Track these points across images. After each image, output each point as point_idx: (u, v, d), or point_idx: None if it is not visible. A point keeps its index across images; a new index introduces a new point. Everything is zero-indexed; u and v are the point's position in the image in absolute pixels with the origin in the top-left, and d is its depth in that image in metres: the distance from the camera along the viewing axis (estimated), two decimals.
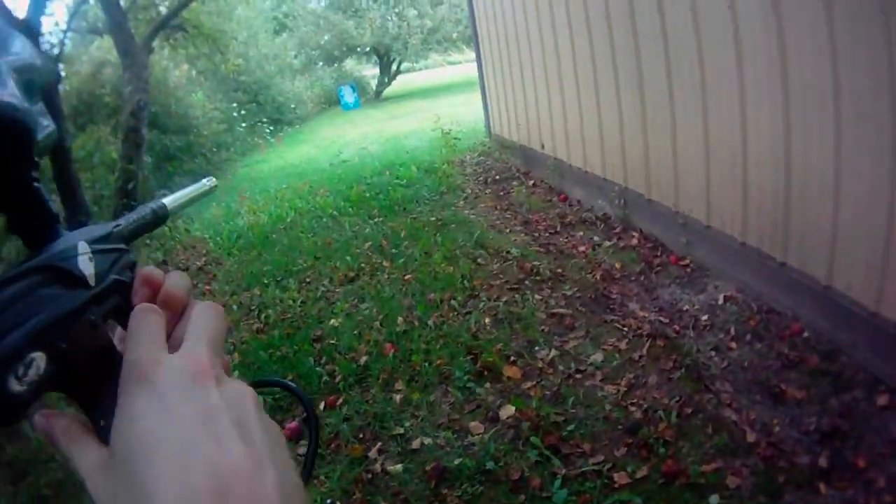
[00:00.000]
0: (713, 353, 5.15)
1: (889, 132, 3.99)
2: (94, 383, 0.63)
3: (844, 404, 4.27)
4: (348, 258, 8.60)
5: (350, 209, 11.29)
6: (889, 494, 3.57)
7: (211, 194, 1.07)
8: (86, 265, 0.66)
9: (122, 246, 0.76)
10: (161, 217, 0.91)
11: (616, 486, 4.00)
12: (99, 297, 0.67)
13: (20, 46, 0.62)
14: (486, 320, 6.21)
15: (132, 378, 0.61)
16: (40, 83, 0.64)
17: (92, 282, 0.66)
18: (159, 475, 0.54)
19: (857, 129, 4.28)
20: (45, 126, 0.64)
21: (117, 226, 0.79)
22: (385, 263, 8.24)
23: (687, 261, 6.66)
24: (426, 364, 5.61)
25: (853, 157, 4.36)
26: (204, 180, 1.04)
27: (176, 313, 0.73)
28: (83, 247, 0.67)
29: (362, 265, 8.34)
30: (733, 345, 5.20)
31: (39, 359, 0.56)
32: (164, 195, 0.95)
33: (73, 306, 0.62)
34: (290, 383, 0.99)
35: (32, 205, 0.64)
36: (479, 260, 7.77)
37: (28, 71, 0.62)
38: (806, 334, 5.05)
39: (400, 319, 6.52)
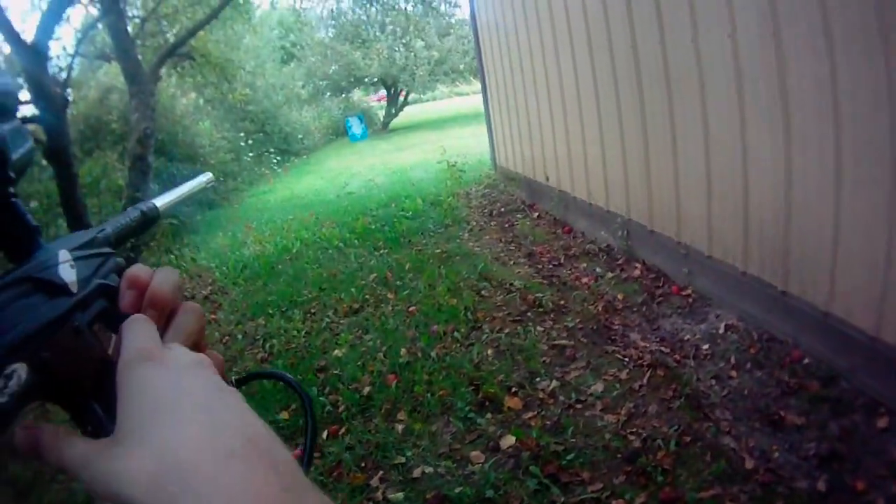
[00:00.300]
0: (713, 381, 5.16)
1: (889, 161, 4.03)
2: (83, 390, 0.64)
3: (844, 429, 4.28)
4: (353, 290, 8.62)
5: (355, 241, 11.31)
6: None
7: (207, 188, 1.07)
8: (67, 273, 0.67)
9: (108, 250, 0.77)
10: (151, 218, 0.92)
11: None
12: (83, 303, 0.67)
13: None
14: (489, 352, 6.23)
15: (138, 360, 0.62)
16: (13, 105, 0.66)
17: (74, 289, 0.67)
18: (185, 436, 0.55)
19: (857, 159, 4.31)
20: (20, 145, 0.66)
21: (102, 230, 0.80)
22: (389, 295, 8.26)
23: (689, 291, 6.68)
24: (428, 395, 5.63)
25: (853, 186, 4.39)
26: (200, 177, 1.05)
27: (164, 313, 0.73)
28: (64, 255, 0.68)
29: (367, 297, 8.36)
30: (733, 373, 5.21)
31: (21, 369, 0.56)
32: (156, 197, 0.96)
33: (54, 315, 0.62)
34: (283, 373, 0.99)
35: (10, 220, 0.66)
36: (482, 292, 7.79)
37: (1, 96, 0.64)
38: (806, 361, 5.06)
39: (403, 351, 6.54)
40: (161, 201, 0.96)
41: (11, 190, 0.65)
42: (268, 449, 0.57)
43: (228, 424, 0.57)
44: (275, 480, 0.55)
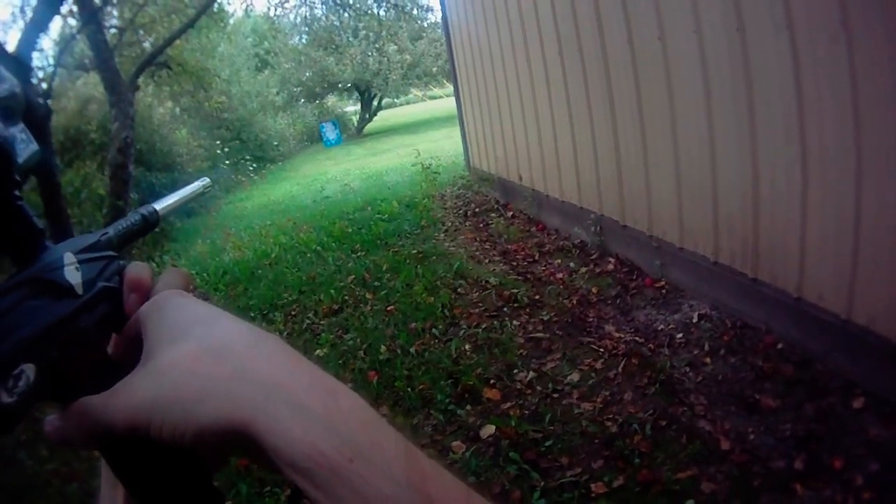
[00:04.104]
0: (688, 368, 5.25)
1: (853, 149, 4.13)
2: (88, 391, 0.63)
3: (820, 410, 4.37)
4: (332, 291, 8.66)
5: (333, 244, 11.30)
6: (868, 491, 3.65)
7: (205, 193, 1.11)
8: (72, 275, 0.67)
9: (111, 253, 0.78)
10: (152, 222, 0.93)
11: (593, 495, 4.10)
12: (88, 304, 0.68)
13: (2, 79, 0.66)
14: (467, 346, 6.32)
15: (161, 297, 0.68)
16: (19, 108, 0.68)
17: (80, 291, 0.67)
18: (179, 353, 0.59)
19: (823, 148, 4.42)
20: (26, 147, 0.67)
21: (104, 234, 0.81)
22: (368, 296, 8.31)
23: (662, 282, 6.78)
24: (409, 389, 5.71)
25: (818, 174, 4.50)
26: (197, 182, 1.06)
27: None
28: (69, 257, 0.69)
29: (346, 298, 8.41)
30: (707, 360, 5.30)
31: (29, 370, 0.56)
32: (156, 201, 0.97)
33: (60, 316, 0.63)
34: None
35: (17, 222, 0.65)
36: (459, 290, 7.85)
37: (8, 99, 0.66)
38: (780, 346, 5.15)
39: (383, 348, 6.62)
40: (161, 205, 0.96)
41: (17, 193, 0.65)
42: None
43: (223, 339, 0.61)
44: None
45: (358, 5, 36.56)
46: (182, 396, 0.56)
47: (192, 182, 1.08)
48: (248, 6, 34.22)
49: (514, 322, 6.66)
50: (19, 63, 9.15)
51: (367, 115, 41.86)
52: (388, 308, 7.70)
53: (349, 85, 39.67)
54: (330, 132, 35.68)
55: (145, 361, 0.62)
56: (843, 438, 4.10)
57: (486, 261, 8.92)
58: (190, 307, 0.66)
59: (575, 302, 6.86)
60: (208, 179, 1.12)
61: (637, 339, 5.90)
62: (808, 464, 3.97)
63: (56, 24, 15.31)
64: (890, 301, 4.16)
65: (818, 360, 4.82)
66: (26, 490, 5.27)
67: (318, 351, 6.96)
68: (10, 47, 9.60)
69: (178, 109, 25.09)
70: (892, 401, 4.18)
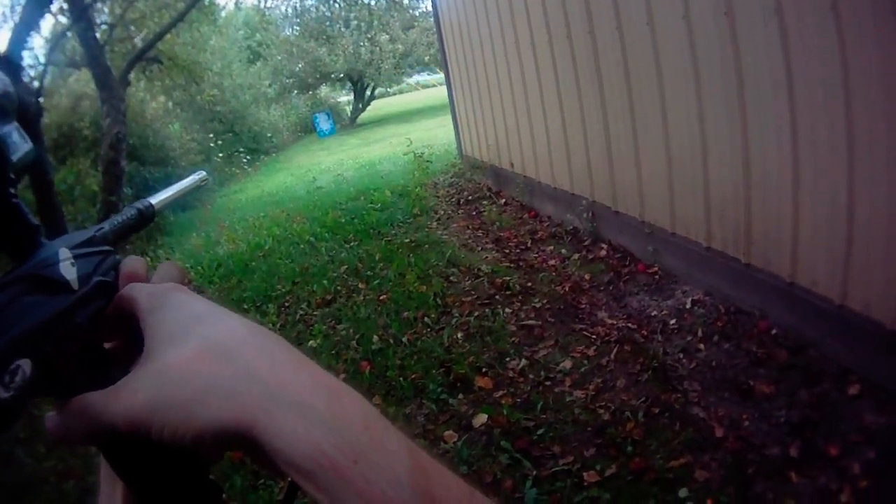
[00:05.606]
0: (681, 354, 5.24)
1: (843, 136, 4.10)
2: (85, 386, 0.63)
3: (815, 396, 4.34)
4: (325, 282, 8.66)
5: (326, 235, 11.31)
6: (865, 479, 3.63)
7: (202, 187, 1.09)
8: (68, 270, 0.67)
9: (106, 248, 0.77)
10: (148, 216, 0.93)
11: (586, 483, 4.10)
12: (83, 299, 0.67)
13: None
14: (459, 335, 6.31)
15: (161, 291, 0.67)
16: (12, 107, 0.67)
17: (75, 286, 0.67)
18: (182, 353, 0.58)
19: (813, 134, 4.39)
20: (20, 146, 0.66)
21: (100, 229, 0.81)
22: (361, 285, 8.32)
23: (655, 268, 6.76)
24: (401, 379, 5.71)
25: (811, 158, 4.47)
26: (194, 175, 1.05)
27: None
28: (64, 253, 0.68)
29: (339, 288, 8.41)
30: (701, 346, 5.29)
31: (25, 365, 0.56)
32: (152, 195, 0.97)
33: (56, 311, 0.62)
34: None
35: (12, 220, 0.65)
36: (451, 278, 7.85)
37: (1, 98, 0.65)
38: (774, 331, 5.13)
39: (375, 338, 6.61)
40: (157, 199, 0.96)
41: (12, 191, 0.65)
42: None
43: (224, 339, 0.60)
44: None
45: None
46: (183, 398, 0.56)
47: (187, 176, 1.06)
48: None
49: (507, 310, 6.65)
50: (10, 62, 9.14)
51: (361, 105, 41.87)
52: (381, 298, 7.70)
53: (342, 75, 39.65)
54: (323, 123, 35.70)
55: (146, 360, 0.61)
56: (838, 425, 4.07)
57: (479, 248, 8.92)
58: (191, 304, 0.65)
59: (567, 289, 6.85)
60: (204, 173, 1.11)
61: (630, 325, 5.89)
62: (803, 451, 3.95)
63: (46, 22, 15.30)
64: (884, 286, 4.13)
65: (812, 346, 4.79)
66: (24, 487, 5.26)
67: (311, 342, 6.95)
68: (1, 47, 9.57)
69: (170, 104, 25.04)
70: (888, 387, 4.15)
